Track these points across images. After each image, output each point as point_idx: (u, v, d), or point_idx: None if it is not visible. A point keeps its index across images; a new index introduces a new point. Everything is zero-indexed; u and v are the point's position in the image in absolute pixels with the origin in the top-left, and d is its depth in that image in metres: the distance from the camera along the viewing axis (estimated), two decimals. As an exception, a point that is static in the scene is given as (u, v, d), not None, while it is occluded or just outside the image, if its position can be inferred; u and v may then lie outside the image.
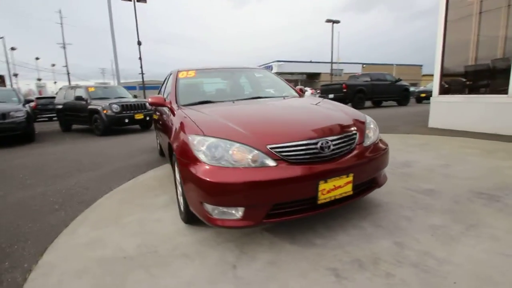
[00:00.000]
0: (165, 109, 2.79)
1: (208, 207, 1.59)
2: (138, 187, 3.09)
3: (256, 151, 1.57)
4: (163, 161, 4.16)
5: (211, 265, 1.60)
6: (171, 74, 3.45)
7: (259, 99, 2.62)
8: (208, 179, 1.52)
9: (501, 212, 2.00)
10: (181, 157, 1.77)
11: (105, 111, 7.16)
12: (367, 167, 1.79)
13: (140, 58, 16.64)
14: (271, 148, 1.59)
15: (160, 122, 3.18)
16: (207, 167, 1.57)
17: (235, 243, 1.81)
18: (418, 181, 2.68)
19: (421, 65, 43.26)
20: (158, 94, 4.28)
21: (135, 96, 9.41)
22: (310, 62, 35.91)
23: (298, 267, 1.54)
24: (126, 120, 7.42)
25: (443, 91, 5.50)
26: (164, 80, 4.14)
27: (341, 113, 2.09)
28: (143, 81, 16.38)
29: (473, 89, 5.25)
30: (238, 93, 2.89)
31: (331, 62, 23.14)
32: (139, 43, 19.04)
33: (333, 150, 1.68)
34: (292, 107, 2.40)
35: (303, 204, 1.61)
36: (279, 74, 31.23)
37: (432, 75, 5.73)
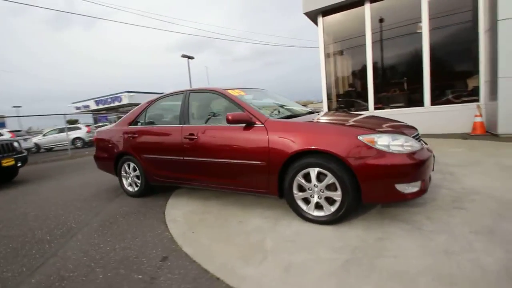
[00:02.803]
0: (230, 127, 2.60)
1: (401, 187, 1.98)
2: (202, 224, 2.53)
3: (411, 139, 2.17)
4: (156, 199, 3.37)
5: (416, 236, 1.97)
6: (189, 93, 3.13)
7: (316, 112, 3.09)
8: (404, 163, 1.95)
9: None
10: (357, 156, 2.02)
11: None
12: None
13: None
14: (413, 137, 2.25)
15: (200, 146, 2.79)
16: (395, 155, 1.98)
17: (396, 220, 2.23)
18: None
19: (251, 98, 54.15)
20: (136, 120, 3.54)
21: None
22: (163, 93, 35.52)
23: (438, 213, 2.25)
24: (-13, 171, 4.75)
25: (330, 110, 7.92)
26: (153, 103, 3.51)
27: None
28: None
29: (345, 108, 7.94)
30: (289, 109, 3.16)
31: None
32: None
33: None
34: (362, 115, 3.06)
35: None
36: (131, 105, 28.25)
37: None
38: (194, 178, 2.97)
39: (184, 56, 23.89)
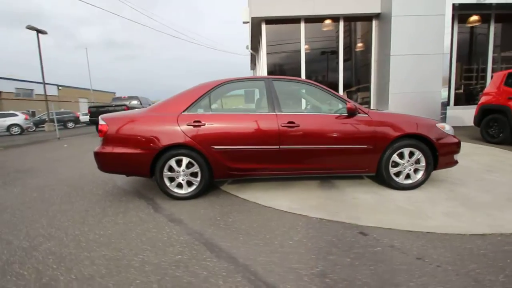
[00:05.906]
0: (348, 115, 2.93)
1: (456, 156, 3.09)
2: (325, 206, 2.66)
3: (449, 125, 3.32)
4: (214, 199, 2.98)
5: (459, 185, 3.12)
6: (271, 81, 3.07)
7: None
8: (457, 141, 3.06)
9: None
10: (438, 138, 2.93)
11: None
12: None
13: None
14: (441, 124, 3.46)
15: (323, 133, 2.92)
16: (453, 136, 3.06)
17: (440, 181, 3.33)
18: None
19: (114, 92, 46.29)
20: (194, 105, 3.02)
21: None
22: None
23: (444, 174, 3.60)
24: None
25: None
26: (217, 87, 3.05)
27: None
28: None
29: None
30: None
31: (44, 83, 17.99)
32: None
33: None
34: None
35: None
36: None
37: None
38: (290, 167, 2.95)
39: (31, 28, 17.44)
